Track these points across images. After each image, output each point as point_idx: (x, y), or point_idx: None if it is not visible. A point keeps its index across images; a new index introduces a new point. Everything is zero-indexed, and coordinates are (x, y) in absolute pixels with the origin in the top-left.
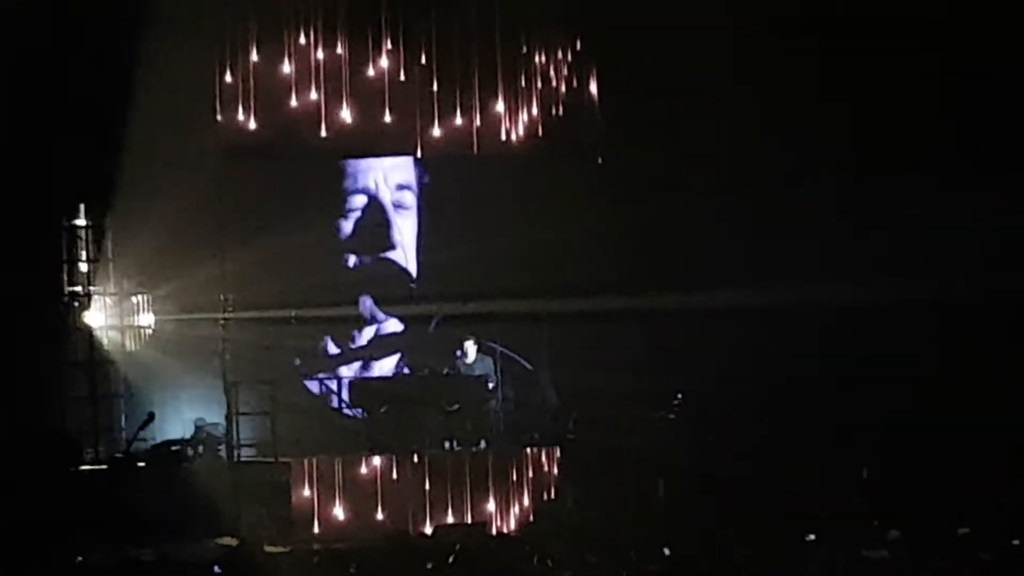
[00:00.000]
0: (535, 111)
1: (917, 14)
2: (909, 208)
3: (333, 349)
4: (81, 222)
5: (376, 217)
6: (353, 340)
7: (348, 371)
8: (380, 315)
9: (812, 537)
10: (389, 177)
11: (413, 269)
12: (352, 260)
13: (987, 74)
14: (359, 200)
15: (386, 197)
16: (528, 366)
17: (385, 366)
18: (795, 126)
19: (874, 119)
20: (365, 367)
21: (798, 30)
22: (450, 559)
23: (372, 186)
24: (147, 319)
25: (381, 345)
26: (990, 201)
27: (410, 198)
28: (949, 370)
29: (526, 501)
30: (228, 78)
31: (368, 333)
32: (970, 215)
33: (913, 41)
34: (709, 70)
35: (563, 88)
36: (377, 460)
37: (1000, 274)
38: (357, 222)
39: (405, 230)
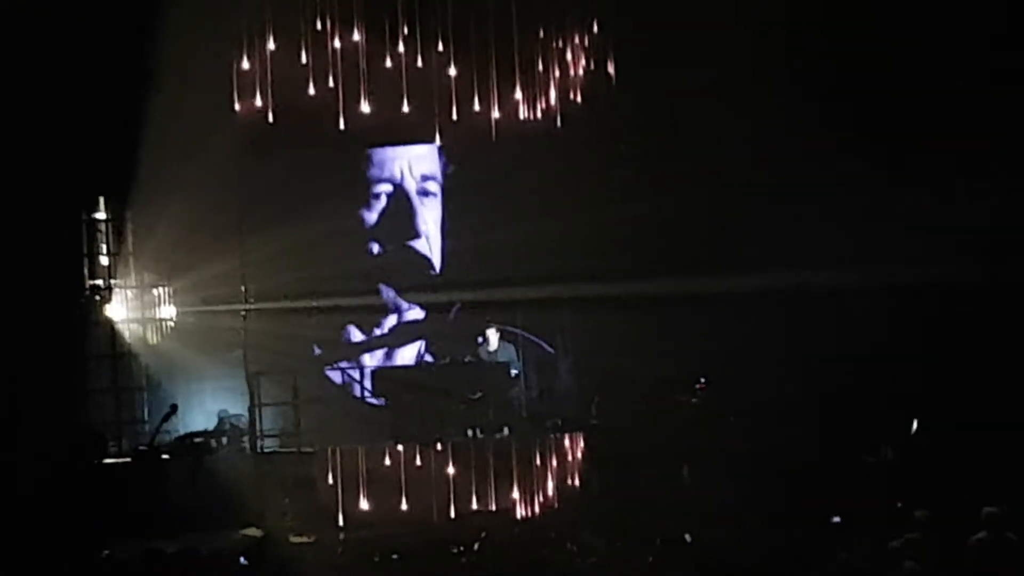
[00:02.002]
0: (554, 97)
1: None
2: (920, 197)
3: (357, 337)
4: (101, 216)
5: (401, 206)
6: (377, 328)
7: (371, 360)
8: (402, 303)
9: (837, 519)
10: (414, 166)
11: (436, 258)
12: (376, 248)
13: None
14: (384, 189)
15: (411, 186)
16: (550, 349)
17: (407, 354)
18: (813, 113)
19: (885, 110)
20: (388, 355)
21: (816, 17)
22: (475, 546)
23: (397, 175)
24: (168, 311)
25: (403, 333)
26: (992, 192)
27: (434, 187)
28: (965, 353)
29: (550, 487)
30: (245, 68)
31: (391, 321)
32: (973, 205)
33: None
34: (728, 56)
35: (582, 73)
36: (401, 449)
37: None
38: (382, 211)
39: (429, 219)
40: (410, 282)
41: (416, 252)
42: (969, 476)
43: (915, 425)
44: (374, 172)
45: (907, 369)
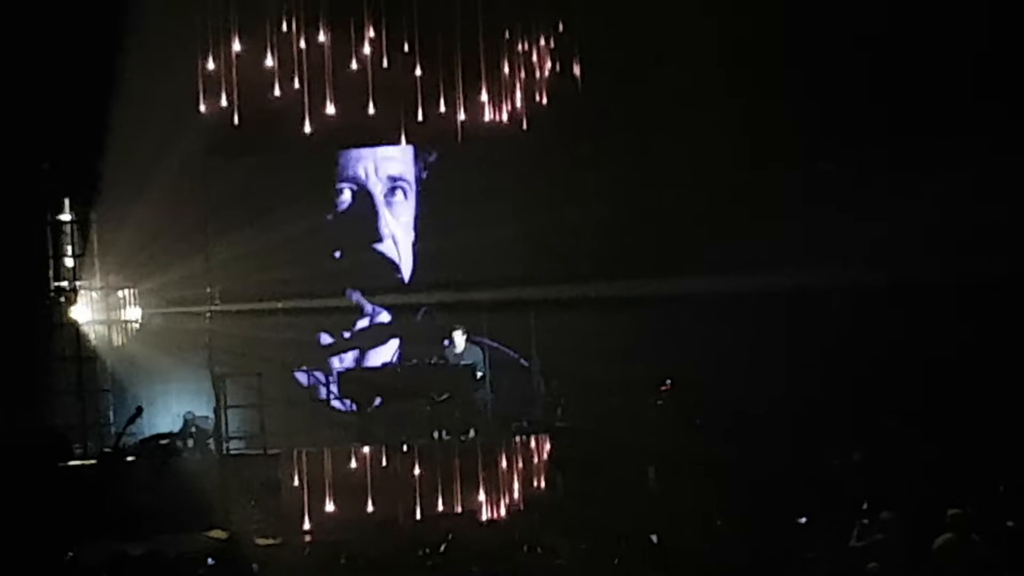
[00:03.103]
0: (519, 98)
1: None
2: (896, 197)
3: (326, 339)
4: (66, 217)
5: (363, 208)
6: (345, 330)
7: (343, 361)
8: (367, 306)
9: (803, 520)
10: (378, 166)
11: (403, 260)
12: (339, 251)
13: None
14: (347, 190)
15: (376, 188)
16: (524, 362)
17: (381, 355)
18: (782, 113)
19: (861, 110)
20: (361, 357)
21: (783, 18)
22: (441, 547)
23: (362, 176)
24: (134, 313)
25: (373, 335)
26: (960, 192)
27: (404, 189)
28: (931, 354)
29: (516, 489)
30: (211, 70)
31: (361, 323)
32: (940, 205)
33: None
34: (694, 56)
35: (547, 75)
36: (367, 451)
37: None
38: (344, 213)
39: (397, 221)
40: (377, 284)
41: (380, 254)
42: (935, 478)
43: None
44: (338, 173)
45: (873, 371)
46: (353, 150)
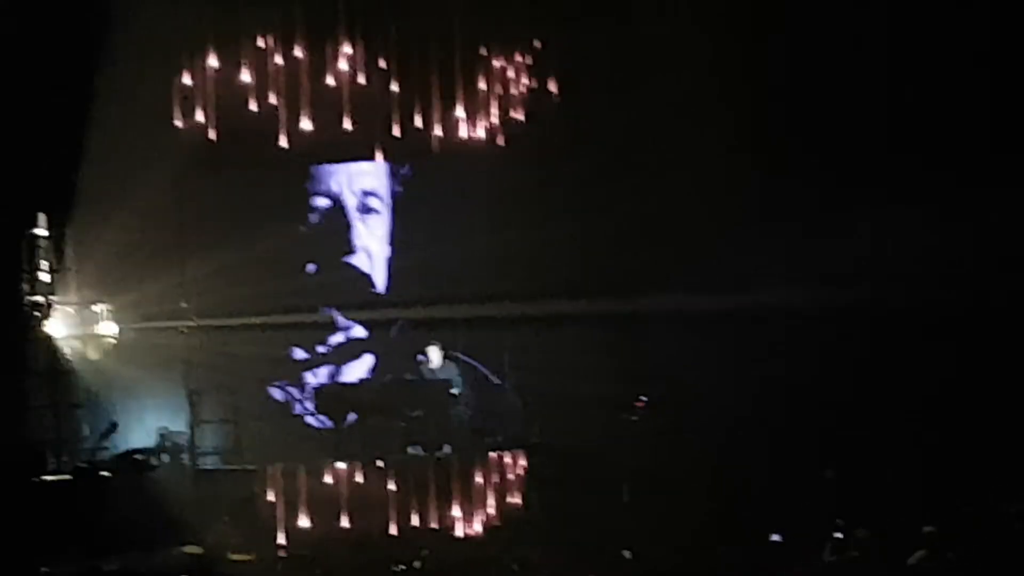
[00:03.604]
0: (496, 114)
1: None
2: (874, 214)
3: (300, 355)
4: (41, 231)
5: (337, 222)
6: (320, 345)
7: (317, 377)
8: (342, 321)
9: (777, 538)
10: (353, 181)
11: (378, 275)
12: (314, 266)
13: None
14: (320, 205)
15: (350, 202)
16: (496, 380)
17: (356, 370)
18: (761, 129)
19: (840, 125)
20: (336, 372)
21: (764, 31)
22: (416, 564)
23: (335, 190)
24: (109, 328)
25: (348, 350)
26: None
27: (378, 203)
28: (905, 373)
29: (491, 505)
30: (187, 85)
31: (335, 339)
32: (932, 220)
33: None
34: (671, 71)
35: (524, 91)
36: (341, 466)
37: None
38: (317, 227)
39: (371, 235)
40: (351, 299)
41: (355, 269)
42: (909, 496)
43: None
44: (312, 188)
45: (851, 388)
46: (327, 164)
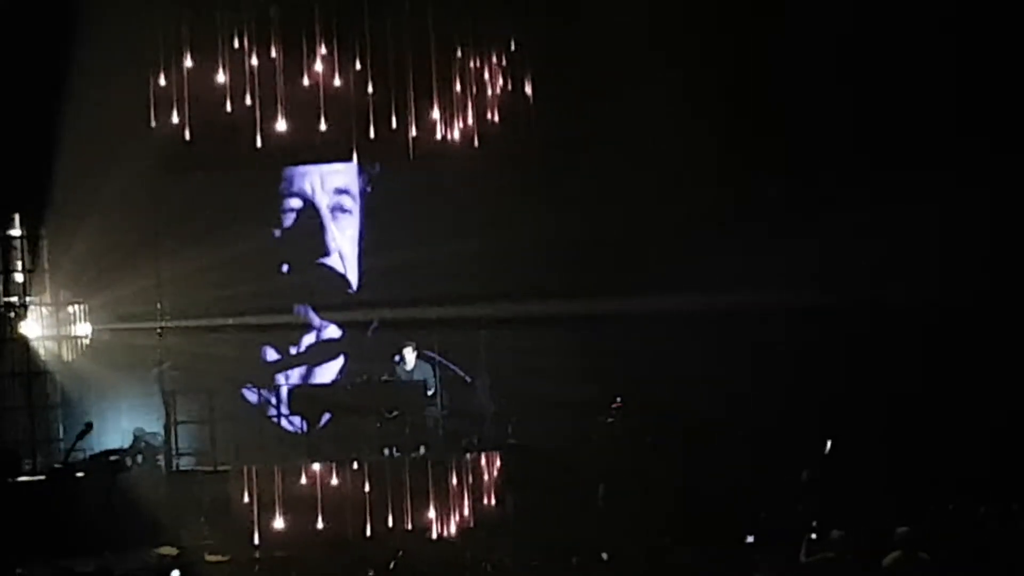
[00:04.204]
0: (471, 116)
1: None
2: (851, 215)
3: (273, 356)
4: (16, 232)
5: (310, 223)
6: (294, 347)
7: (288, 379)
8: (317, 321)
9: (751, 539)
10: (326, 182)
11: (352, 275)
12: (287, 266)
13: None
14: (293, 205)
15: (322, 202)
16: (467, 378)
17: (329, 371)
18: (737, 130)
19: (817, 125)
20: (308, 373)
21: (744, 29)
22: (391, 565)
23: (308, 191)
24: (84, 329)
25: (322, 351)
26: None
27: (349, 203)
28: (883, 373)
29: (467, 506)
30: (162, 86)
31: (309, 339)
32: (891, 227)
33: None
34: (648, 75)
35: (499, 92)
36: (316, 468)
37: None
38: (290, 228)
39: (343, 235)
40: (326, 300)
41: (329, 269)
42: (884, 496)
43: (828, 445)
44: (285, 188)
45: (824, 390)
46: (302, 165)
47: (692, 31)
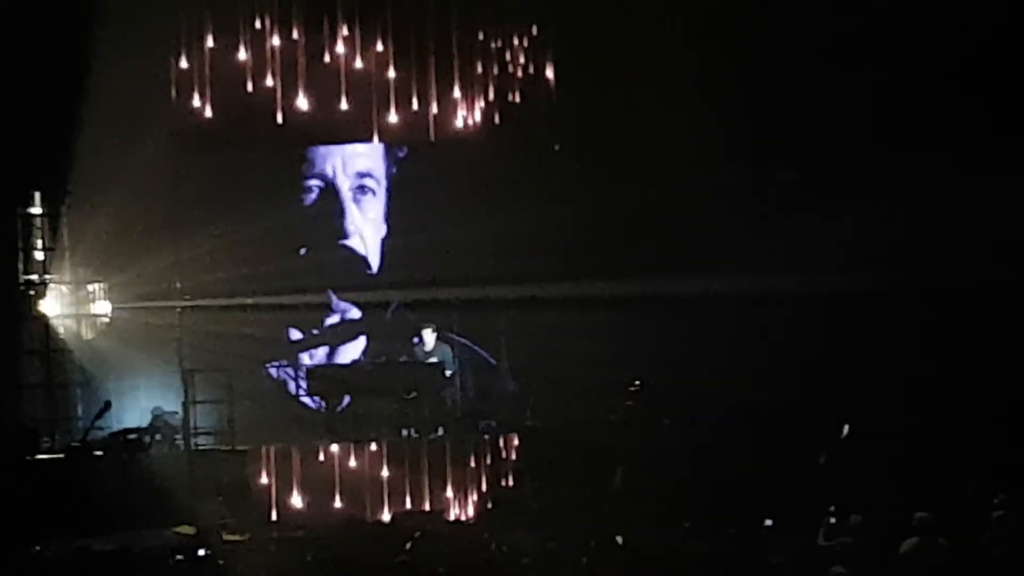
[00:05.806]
0: (492, 98)
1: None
2: (868, 200)
3: (296, 335)
4: (36, 210)
5: (331, 205)
6: (315, 327)
7: (309, 358)
8: (336, 302)
9: (770, 523)
10: (348, 164)
11: (372, 256)
12: (305, 248)
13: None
14: (316, 185)
15: (343, 184)
16: (492, 361)
17: (351, 352)
18: (753, 115)
19: (832, 112)
20: (331, 353)
21: (764, 17)
22: (408, 546)
23: (329, 173)
24: (103, 307)
25: (343, 331)
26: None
27: (373, 184)
28: (899, 358)
29: (484, 488)
30: (184, 65)
31: (332, 320)
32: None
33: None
34: (666, 58)
35: (520, 75)
36: (335, 448)
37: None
38: (311, 209)
39: (365, 218)
40: (346, 281)
41: (350, 250)
42: (903, 482)
43: (846, 430)
44: (306, 170)
45: (841, 374)
46: (322, 147)
47: (711, 14)
